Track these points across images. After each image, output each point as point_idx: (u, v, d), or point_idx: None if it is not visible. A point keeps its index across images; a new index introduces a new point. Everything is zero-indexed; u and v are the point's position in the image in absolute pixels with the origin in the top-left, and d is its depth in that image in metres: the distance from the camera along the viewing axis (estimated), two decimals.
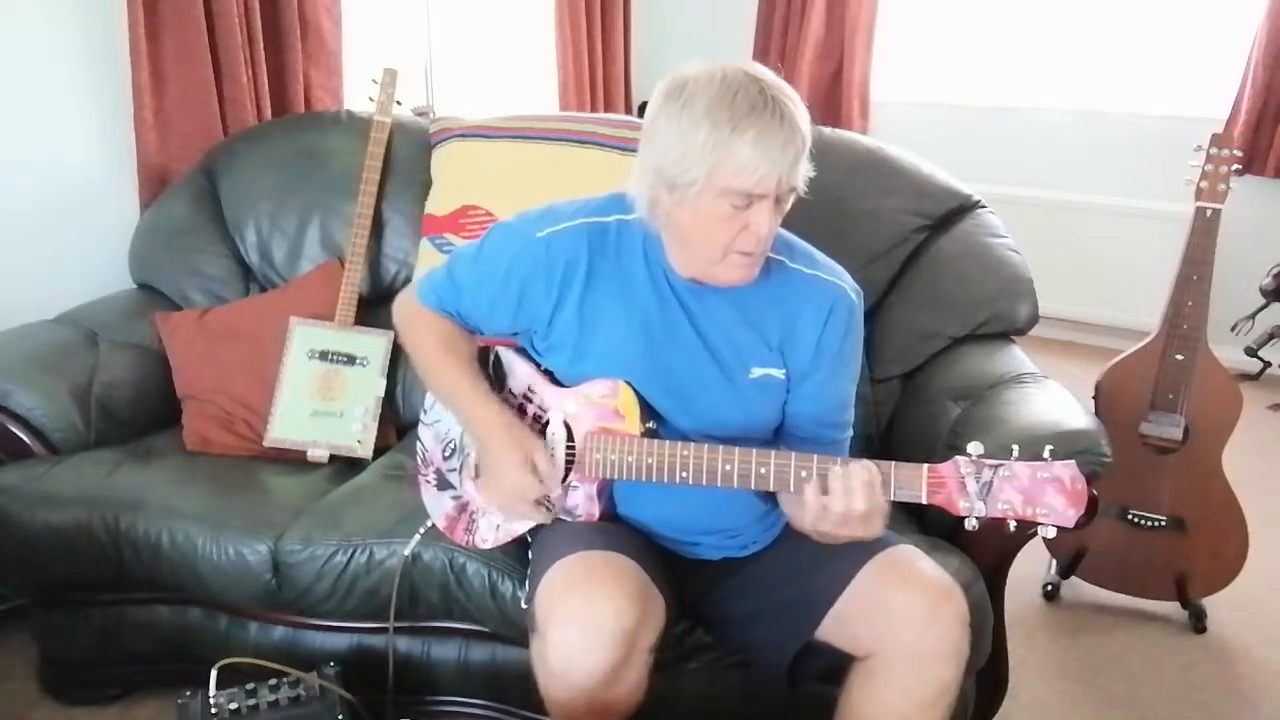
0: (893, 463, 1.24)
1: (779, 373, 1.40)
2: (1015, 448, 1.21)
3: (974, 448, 1.21)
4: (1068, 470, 1.18)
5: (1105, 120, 3.89)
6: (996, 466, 1.20)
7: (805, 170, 1.25)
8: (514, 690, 1.66)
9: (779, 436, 1.47)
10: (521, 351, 1.52)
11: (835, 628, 1.36)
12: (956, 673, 1.31)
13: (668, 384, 1.39)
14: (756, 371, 1.39)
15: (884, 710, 1.32)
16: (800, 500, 1.28)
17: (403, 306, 1.57)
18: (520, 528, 1.50)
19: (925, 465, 1.23)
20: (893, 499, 1.24)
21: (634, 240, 1.39)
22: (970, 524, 1.22)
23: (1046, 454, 1.20)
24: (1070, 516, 1.18)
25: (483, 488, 1.48)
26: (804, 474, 1.26)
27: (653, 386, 1.39)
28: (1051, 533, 1.20)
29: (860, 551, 1.35)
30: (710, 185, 1.22)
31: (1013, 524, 1.21)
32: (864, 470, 1.23)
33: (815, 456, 1.27)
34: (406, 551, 1.60)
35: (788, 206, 1.29)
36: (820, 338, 1.40)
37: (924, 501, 1.22)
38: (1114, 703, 1.99)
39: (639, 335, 1.38)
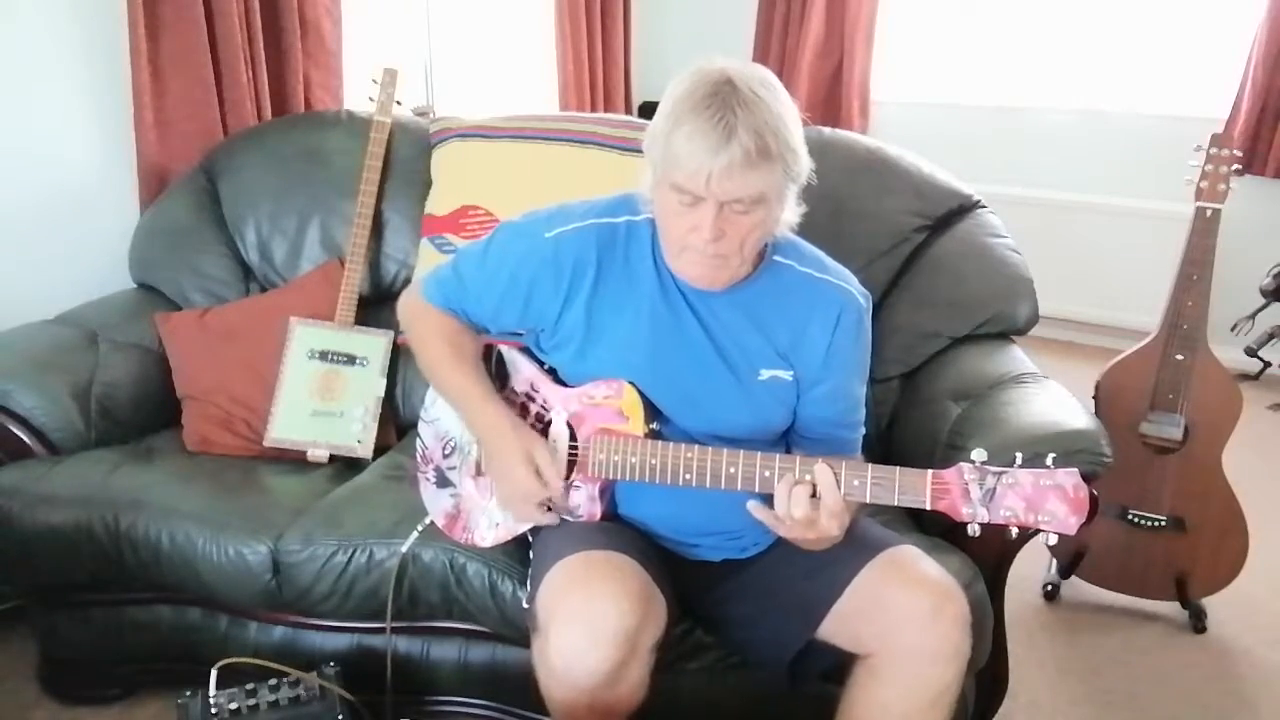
0: (897, 468, 1.24)
1: (787, 375, 1.40)
2: (1019, 455, 1.22)
3: (978, 454, 1.21)
4: (1070, 478, 1.18)
5: (1105, 120, 3.89)
6: (1000, 473, 1.20)
7: (754, 184, 1.20)
8: (514, 690, 1.66)
9: (790, 438, 1.47)
10: (525, 350, 1.52)
11: (836, 627, 1.37)
12: (957, 673, 1.31)
13: (675, 385, 1.39)
14: (765, 374, 1.39)
15: (885, 710, 1.32)
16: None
17: (408, 304, 1.57)
18: (522, 527, 1.50)
19: (930, 471, 1.23)
20: (896, 504, 1.24)
21: (643, 241, 1.39)
22: (972, 530, 1.22)
23: (1050, 461, 1.20)
24: (1072, 524, 1.18)
25: (491, 486, 1.48)
26: (808, 477, 1.26)
27: (659, 387, 1.39)
28: (1053, 539, 1.21)
29: (862, 551, 1.35)
30: (665, 175, 1.24)
31: (1014, 531, 1.21)
32: (804, 485, 1.25)
33: (819, 459, 1.26)
34: (404, 548, 1.60)
35: (750, 220, 1.24)
36: (831, 343, 1.40)
37: (928, 508, 1.22)
38: (1114, 703, 1.99)
39: (646, 336, 1.38)
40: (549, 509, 1.41)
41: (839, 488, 1.25)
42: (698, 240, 1.26)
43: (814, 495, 1.25)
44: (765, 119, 1.20)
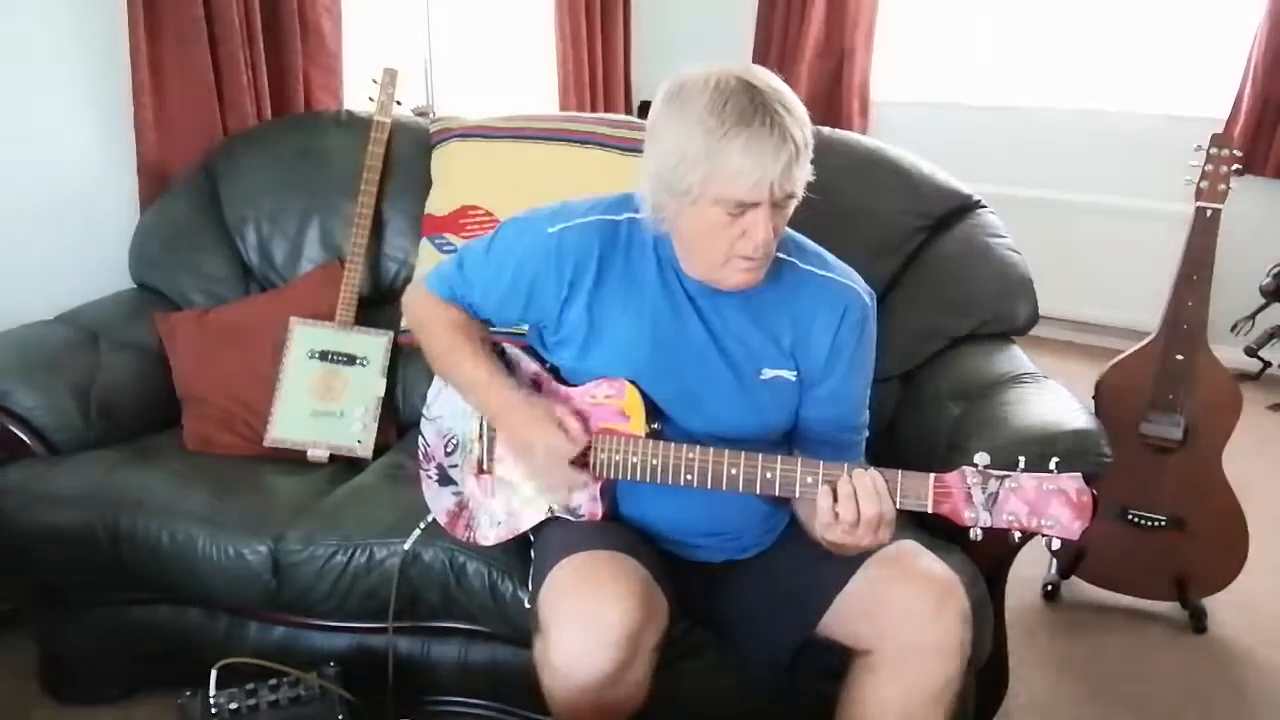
0: (899, 471, 1.24)
1: (790, 375, 1.40)
2: (1022, 459, 1.21)
3: (980, 458, 1.21)
4: (1074, 483, 1.18)
5: (1105, 120, 3.89)
6: (1003, 478, 1.20)
7: (803, 175, 1.23)
8: (514, 690, 1.66)
9: (794, 440, 1.46)
10: (527, 349, 1.52)
11: (837, 623, 1.37)
12: (958, 668, 1.31)
13: (676, 384, 1.39)
14: (768, 373, 1.39)
15: (886, 706, 1.32)
16: (814, 506, 1.28)
17: (413, 298, 1.58)
18: (529, 522, 1.49)
19: (932, 475, 1.23)
20: (898, 507, 1.24)
21: (645, 239, 1.39)
22: (975, 534, 1.22)
23: (1053, 465, 1.20)
24: (1075, 529, 1.18)
25: (519, 468, 1.46)
26: (810, 479, 1.26)
27: (660, 386, 1.39)
28: (1056, 544, 1.20)
29: None
30: (705, 193, 1.22)
31: (1017, 534, 1.21)
32: (868, 477, 1.23)
33: (821, 463, 1.27)
34: (406, 546, 1.60)
35: (789, 211, 1.28)
36: (835, 340, 1.39)
37: (930, 511, 1.22)
38: (1114, 703, 1.99)
39: (648, 334, 1.38)
40: (587, 469, 1.38)
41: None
42: (749, 246, 1.25)
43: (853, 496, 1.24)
44: (797, 111, 1.22)
